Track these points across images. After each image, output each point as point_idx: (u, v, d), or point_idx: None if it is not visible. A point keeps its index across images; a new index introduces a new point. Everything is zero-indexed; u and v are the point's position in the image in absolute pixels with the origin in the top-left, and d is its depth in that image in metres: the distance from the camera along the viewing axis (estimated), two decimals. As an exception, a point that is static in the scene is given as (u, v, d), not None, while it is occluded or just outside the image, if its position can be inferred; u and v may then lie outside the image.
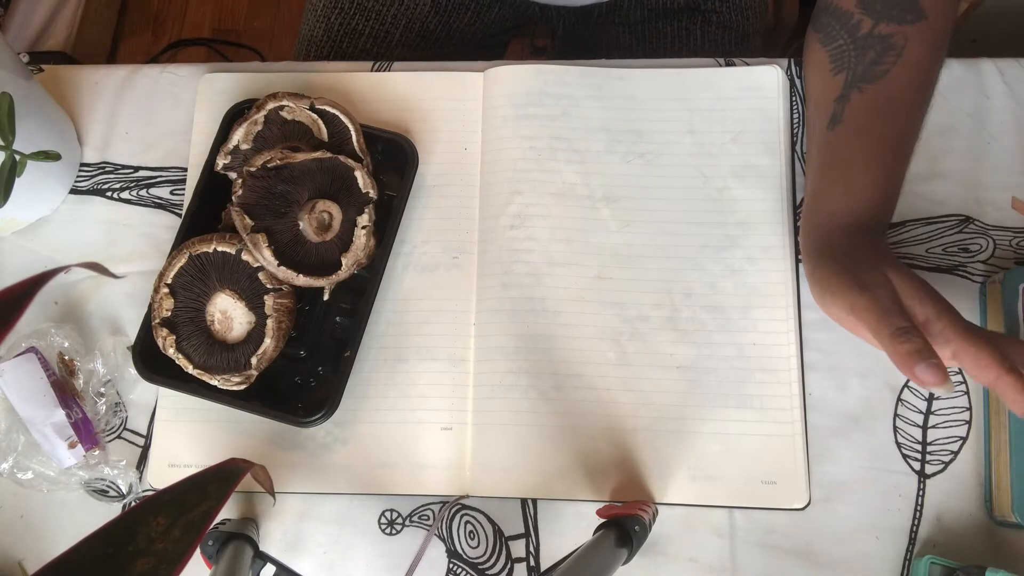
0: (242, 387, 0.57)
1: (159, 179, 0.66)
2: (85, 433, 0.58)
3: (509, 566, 0.57)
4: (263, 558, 0.55)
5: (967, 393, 0.58)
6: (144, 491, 0.60)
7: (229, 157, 0.60)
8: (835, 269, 0.51)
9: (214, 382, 0.56)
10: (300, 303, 0.60)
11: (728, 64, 0.66)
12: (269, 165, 0.57)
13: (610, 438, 0.58)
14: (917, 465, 0.57)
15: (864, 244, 0.52)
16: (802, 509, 0.56)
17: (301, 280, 0.57)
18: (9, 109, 0.54)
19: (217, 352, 0.57)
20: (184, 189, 0.65)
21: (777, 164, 0.63)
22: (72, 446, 0.57)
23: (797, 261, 0.61)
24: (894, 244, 0.61)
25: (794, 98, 0.65)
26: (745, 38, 0.84)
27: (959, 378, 0.58)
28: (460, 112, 0.66)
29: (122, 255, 0.64)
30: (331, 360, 0.60)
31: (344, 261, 0.58)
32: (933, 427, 0.58)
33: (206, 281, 0.58)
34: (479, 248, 0.62)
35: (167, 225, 0.65)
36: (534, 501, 0.58)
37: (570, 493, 0.57)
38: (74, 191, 0.66)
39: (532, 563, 0.57)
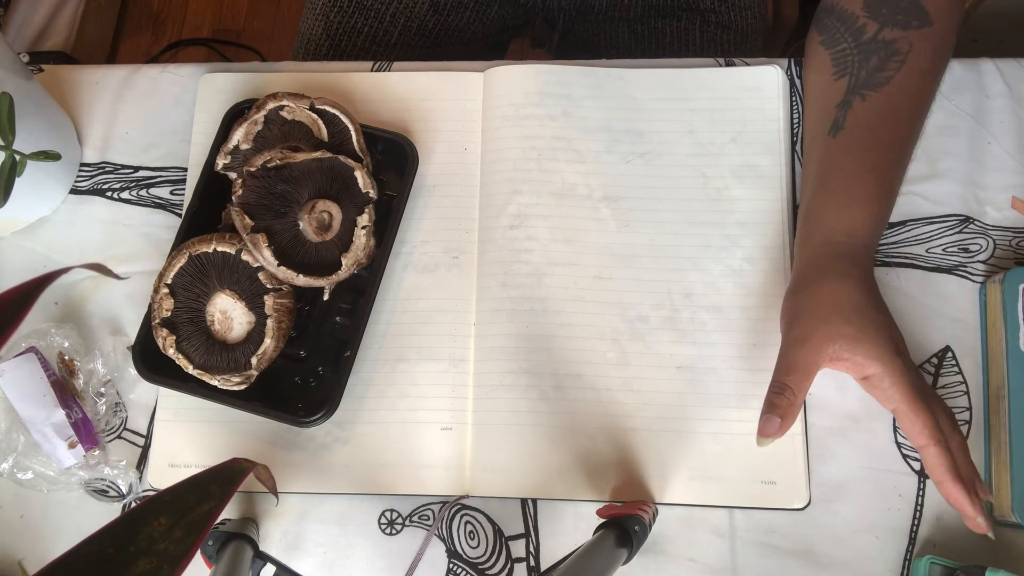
0: (242, 387, 0.57)
1: (159, 179, 0.66)
2: (85, 433, 0.58)
3: (509, 566, 0.57)
4: (263, 558, 0.55)
5: (967, 393, 0.58)
6: (144, 491, 0.60)
7: (229, 157, 0.60)
8: (792, 311, 0.54)
9: (214, 382, 0.56)
10: (300, 303, 0.60)
11: (728, 64, 0.66)
12: (269, 165, 0.57)
13: (610, 438, 0.58)
14: (917, 465, 0.57)
15: (835, 288, 0.53)
16: (802, 509, 0.56)
17: (301, 280, 0.57)
18: (9, 109, 0.54)
19: (217, 352, 0.57)
20: (184, 189, 0.65)
21: (777, 164, 0.63)
22: (72, 446, 0.57)
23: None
24: (894, 244, 0.61)
25: (794, 98, 0.65)
26: (745, 38, 0.84)
27: (959, 378, 0.58)
28: (460, 112, 0.66)
29: (122, 255, 0.64)
30: (331, 360, 0.60)
31: (344, 261, 0.58)
32: (933, 427, 0.58)
33: (206, 281, 0.58)
34: (479, 248, 0.62)
35: (167, 225, 0.65)
36: (534, 501, 0.58)
37: (570, 493, 0.57)
38: (74, 191, 0.66)
39: (532, 563, 0.57)
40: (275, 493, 0.54)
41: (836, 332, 0.51)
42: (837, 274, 0.53)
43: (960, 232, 0.61)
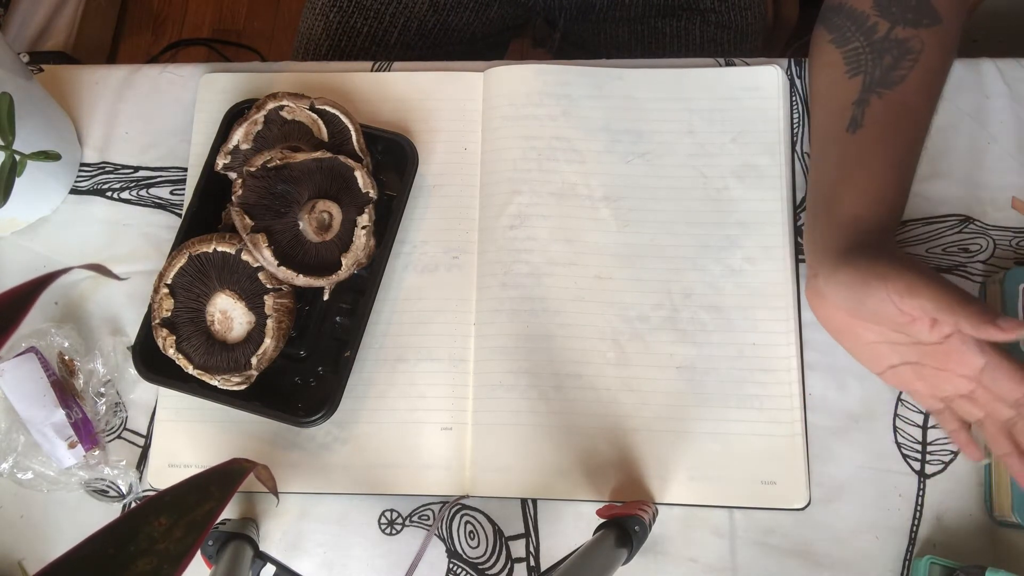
0: (242, 387, 0.57)
1: (159, 179, 0.66)
2: (85, 433, 0.58)
3: (509, 566, 0.57)
4: (263, 558, 0.55)
5: (967, 393, 0.58)
6: (144, 491, 0.60)
7: (229, 157, 0.60)
8: (879, 257, 0.50)
9: (214, 382, 0.56)
10: (300, 303, 0.60)
11: (728, 64, 0.66)
12: (269, 165, 0.57)
13: (610, 438, 0.58)
14: (917, 465, 0.57)
15: (894, 246, 0.52)
16: (802, 509, 0.56)
17: (301, 280, 0.57)
18: (9, 109, 0.54)
19: (217, 352, 0.57)
20: (184, 189, 0.65)
21: (777, 164, 0.63)
22: (72, 446, 0.57)
23: (797, 261, 0.61)
24: (894, 244, 0.61)
25: (794, 98, 0.65)
26: (745, 38, 0.84)
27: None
28: (460, 112, 0.66)
29: (122, 255, 0.64)
30: (331, 360, 0.60)
31: (344, 261, 0.58)
32: (933, 427, 0.58)
33: (206, 281, 0.58)
34: (479, 248, 0.62)
35: (167, 225, 0.65)
36: (534, 501, 0.58)
37: (570, 493, 0.57)
38: (74, 191, 0.66)
39: (532, 563, 0.57)
40: (275, 493, 0.54)
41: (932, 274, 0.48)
42: (877, 236, 0.52)
43: (960, 232, 0.61)
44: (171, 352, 0.56)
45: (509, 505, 0.58)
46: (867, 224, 0.53)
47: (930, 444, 0.57)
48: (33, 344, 0.59)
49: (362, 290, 0.60)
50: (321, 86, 0.66)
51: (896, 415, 0.58)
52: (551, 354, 0.59)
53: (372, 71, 0.67)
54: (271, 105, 0.60)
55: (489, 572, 0.57)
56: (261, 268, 0.57)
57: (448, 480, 0.58)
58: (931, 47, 0.56)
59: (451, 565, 0.57)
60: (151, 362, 0.58)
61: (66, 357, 0.60)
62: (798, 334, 0.59)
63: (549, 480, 0.57)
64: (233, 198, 0.57)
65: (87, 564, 0.31)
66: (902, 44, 0.56)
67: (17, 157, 0.56)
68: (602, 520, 0.53)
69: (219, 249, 0.57)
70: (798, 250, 0.61)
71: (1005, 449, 0.50)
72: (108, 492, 0.60)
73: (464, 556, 0.57)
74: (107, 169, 0.67)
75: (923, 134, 0.58)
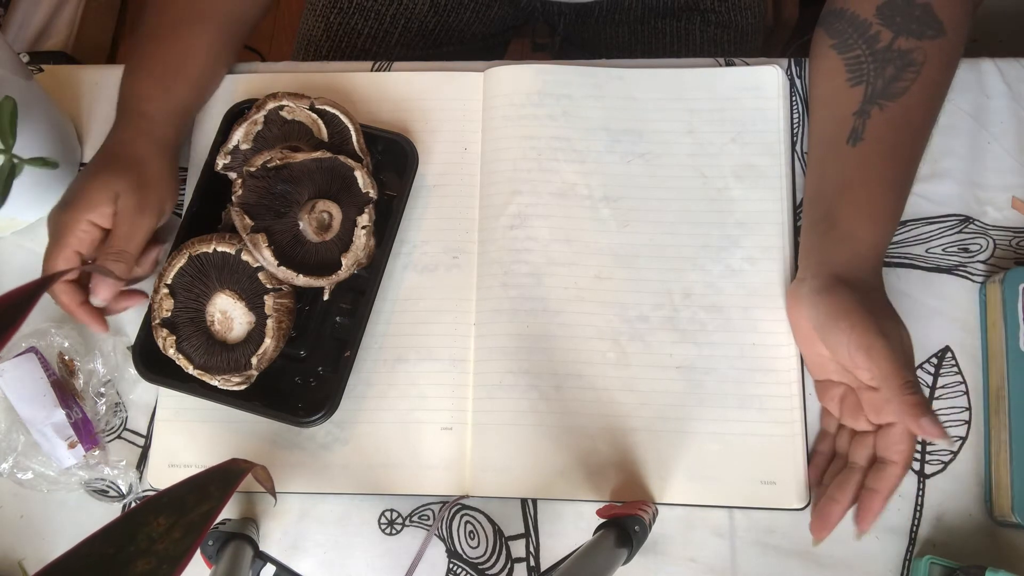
0: (242, 387, 0.57)
1: (159, 179, 0.66)
2: (85, 433, 0.58)
3: (509, 566, 0.57)
4: (263, 558, 0.55)
5: (967, 393, 0.58)
6: (144, 491, 0.60)
7: (229, 157, 0.60)
8: (857, 302, 0.51)
9: (214, 382, 0.56)
10: (300, 303, 0.60)
11: (728, 64, 0.66)
12: (269, 165, 0.57)
13: (610, 438, 0.58)
14: (917, 465, 0.57)
15: (881, 289, 0.54)
16: (802, 509, 0.56)
17: (301, 280, 0.57)
18: (12, 114, 0.54)
19: (217, 352, 0.57)
20: (184, 189, 0.65)
21: (777, 164, 0.63)
22: (72, 446, 0.57)
23: (797, 261, 0.61)
24: (894, 244, 0.61)
25: (794, 98, 0.65)
26: (745, 38, 0.84)
27: (959, 378, 0.58)
28: (460, 112, 0.66)
29: (122, 255, 0.64)
30: (331, 360, 0.60)
31: (344, 261, 0.58)
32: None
33: (206, 281, 0.58)
34: (479, 248, 0.62)
35: (167, 225, 0.65)
36: (534, 501, 0.58)
37: (570, 493, 0.57)
38: (74, 191, 0.66)
39: (532, 563, 0.57)
40: (273, 494, 0.54)
41: (899, 332, 0.52)
42: (872, 269, 0.54)
43: (960, 232, 0.61)
44: (171, 352, 0.56)
45: (509, 505, 0.58)
46: (863, 245, 0.54)
47: (930, 444, 0.57)
48: (33, 344, 0.59)
49: (362, 290, 0.60)
50: (321, 86, 0.66)
51: (896, 415, 0.58)
52: (551, 354, 0.59)
53: (372, 71, 0.67)
54: (271, 105, 0.60)
55: (489, 572, 0.57)
56: (261, 268, 0.57)
57: (448, 480, 0.58)
58: (934, 60, 0.56)
59: (451, 565, 0.57)
60: (151, 362, 0.58)
61: (66, 357, 0.60)
62: (798, 334, 0.59)
63: (549, 480, 0.57)
64: (233, 198, 0.57)
65: (86, 564, 0.31)
66: (905, 55, 0.56)
67: (15, 161, 0.56)
68: (602, 520, 0.53)
69: (219, 249, 0.57)
70: (798, 250, 0.61)
71: (837, 496, 0.53)
72: (108, 492, 0.60)
73: (464, 556, 0.57)
74: (107, 169, 0.66)
75: (922, 148, 0.58)
